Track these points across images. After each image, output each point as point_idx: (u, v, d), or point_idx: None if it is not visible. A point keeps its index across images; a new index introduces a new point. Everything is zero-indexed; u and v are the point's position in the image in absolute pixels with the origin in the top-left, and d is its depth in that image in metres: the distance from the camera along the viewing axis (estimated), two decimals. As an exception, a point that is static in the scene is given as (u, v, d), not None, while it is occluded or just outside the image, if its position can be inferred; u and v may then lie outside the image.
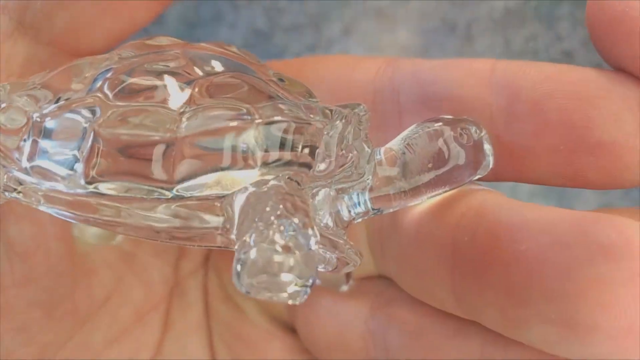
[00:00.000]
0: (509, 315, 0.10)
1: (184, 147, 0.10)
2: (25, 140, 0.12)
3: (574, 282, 0.09)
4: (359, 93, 0.13)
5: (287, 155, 0.10)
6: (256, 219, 0.10)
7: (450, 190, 0.12)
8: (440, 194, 0.12)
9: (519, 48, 0.67)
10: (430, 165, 0.12)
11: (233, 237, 0.11)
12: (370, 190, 0.12)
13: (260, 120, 0.10)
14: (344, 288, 0.16)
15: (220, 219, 0.11)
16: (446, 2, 0.69)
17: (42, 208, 0.12)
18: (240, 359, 0.16)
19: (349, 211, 0.12)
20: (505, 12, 0.68)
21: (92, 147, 0.11)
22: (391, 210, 0.13)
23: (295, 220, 0.09)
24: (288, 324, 0.17)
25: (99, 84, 0.11)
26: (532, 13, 0.68)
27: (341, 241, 0.10)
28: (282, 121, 0.10)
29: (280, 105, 0.11)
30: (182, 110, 0.11)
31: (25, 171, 0.11)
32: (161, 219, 0.11)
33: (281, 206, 0.10)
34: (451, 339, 0.13)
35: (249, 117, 0.10)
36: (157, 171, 0.11)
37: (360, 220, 0.13)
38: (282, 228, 0.09)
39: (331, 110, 0.12)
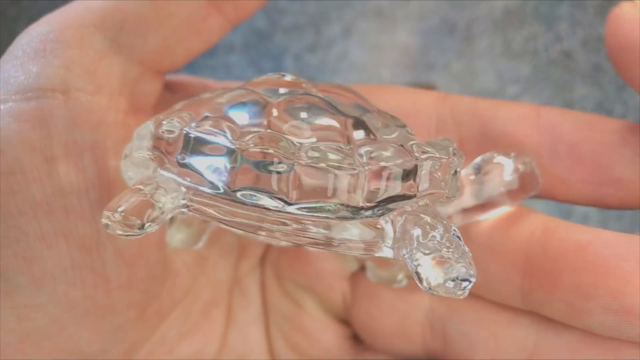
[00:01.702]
0: (576, 306, 0.13)
1: (301, 173, 0.12)
2: (180, 152, 0.13)
3: (630, 284, 0.13)
4: (424, 122, 0.16)
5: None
6: (419, 236, 0.12)
7: (510, 206, 0.15)
8: (500, 210, 0.15)
9: (518, 48, 0.67)
10: (502, 189, 0.14)
11: (388, 247, 0.13)
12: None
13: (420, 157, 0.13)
14: (402, 284, 0.17)
15: (373, 233, 0.13)
16: (446, 2, 0.69)
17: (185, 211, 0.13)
18: (297, 346, 0.18)
19: None
20: (504, 12, 0.68)
21: (234, 160, 0.12)
22: (459, 224, 0.15)
23: (448, 234, 0.12)
24: (341, 316, 0.19)
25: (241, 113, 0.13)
26: (532, 13, 0.68)
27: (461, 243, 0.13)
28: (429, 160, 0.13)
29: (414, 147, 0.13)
30: (303, 143, 0.13)
31: (179, 172, 0.13)
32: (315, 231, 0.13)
33: (440, 225, 0.12)
34: (508, 326, 0.15)
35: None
36: (277, 187, 0.12)
37: None
38: (447, 243, 0.12)
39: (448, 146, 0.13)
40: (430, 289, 0.11)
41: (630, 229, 0.53)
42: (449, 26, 0.64)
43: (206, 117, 0.13)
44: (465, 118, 0.16)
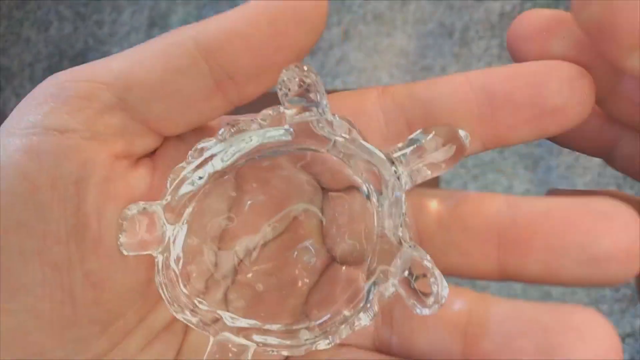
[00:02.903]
0: (551, 265, 0.15)
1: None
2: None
3: (594, 235, 0.15)
4: (374, 119, 0.17)
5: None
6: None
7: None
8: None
9: (516, 51, 0.67)
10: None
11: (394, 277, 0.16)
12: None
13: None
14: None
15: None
16: (443, 6, 0.69)
17: None
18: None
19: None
20: (501, 15, 0.69)
21: None
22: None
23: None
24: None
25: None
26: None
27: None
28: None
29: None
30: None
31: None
32: None
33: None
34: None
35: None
36: None
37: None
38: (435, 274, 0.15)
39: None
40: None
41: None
42: (446, 29, 0.65)
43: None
44: (407, 104, 0.17)
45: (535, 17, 0.16)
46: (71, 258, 0.15)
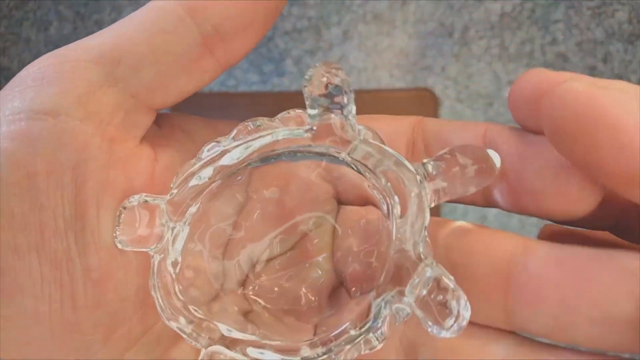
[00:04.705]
0: (562, 320, 0.14)
1: None
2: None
3: (610, 293, 0.13)
4: (402, 145, 0.17)
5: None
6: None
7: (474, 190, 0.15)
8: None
9: (514, 51, 0.67)
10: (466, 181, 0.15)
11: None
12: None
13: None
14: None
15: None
16: (443, 6, 0.69)
17: None
18: None
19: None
20: (501, 15, 0.69)
21: None
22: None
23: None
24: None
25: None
26: (528, 16, 0.68)
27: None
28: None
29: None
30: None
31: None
32: None
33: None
34: (482, 350, 0.16)
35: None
36: None
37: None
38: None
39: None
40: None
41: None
42: (446, 29, 0.65)
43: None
44: (432, 141, 0.17)
45: (535, 82, 0.15)
46: (70, 252, 0.14)
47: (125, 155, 0.15)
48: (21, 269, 0.14)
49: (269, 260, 0.17)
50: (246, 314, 0.16)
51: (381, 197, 0.15)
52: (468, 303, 0.13)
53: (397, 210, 0.14)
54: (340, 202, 0.17)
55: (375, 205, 0.16)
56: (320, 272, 0.16)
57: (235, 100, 0.61)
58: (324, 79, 0.14)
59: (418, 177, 0.14)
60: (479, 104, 0.61)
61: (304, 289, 0.16)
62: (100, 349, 0.15)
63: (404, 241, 0.14)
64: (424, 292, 0.14)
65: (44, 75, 0.15)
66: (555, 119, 0.13)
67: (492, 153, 0.14)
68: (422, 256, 0.14)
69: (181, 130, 0.17)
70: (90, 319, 0.15)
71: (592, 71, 0.62)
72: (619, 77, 0.62)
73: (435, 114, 0.61)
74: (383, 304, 0.14)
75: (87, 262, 0.14)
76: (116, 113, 0.15)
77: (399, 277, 0.14)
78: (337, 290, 0.17)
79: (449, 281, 0.13)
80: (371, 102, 0.60)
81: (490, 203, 0.16)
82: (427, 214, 0.14)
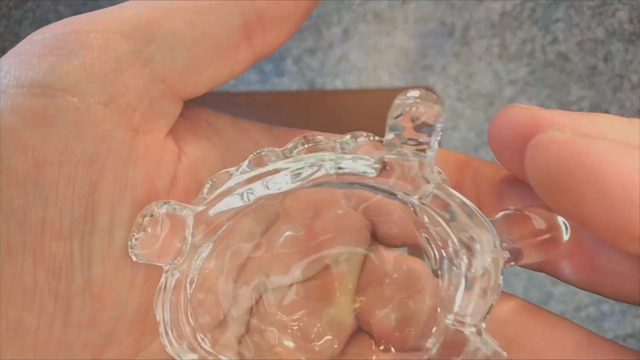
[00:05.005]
0: None
1: None
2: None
3: None
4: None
5: None
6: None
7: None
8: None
9: (515, 50, 0.67)
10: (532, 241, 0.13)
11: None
12: None
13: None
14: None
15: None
16: (443, 5, 0.69)
17: None
18: None
19: None
20: (501, 15, 0.69)
21: None
22: None
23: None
24: None
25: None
26: (529, 16, 0.68)
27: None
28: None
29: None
30: None
31: None
32: None
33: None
34: None
35: None
36: None
37: None
38: None
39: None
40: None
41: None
42: (447, 29, 0.64)
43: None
44: (485, 187, 0.15)
45: (513, 121, 0.13)
46: (72, 259, 0.12)
47: (148, 150, 0.13)
48: (11, 272, 0.12)
49: (284, 288, 0.15)
50: (257, 351, 0.14)
51: (434, 249, 0.13)
52: None
53: (465, 271, 0.12)
54: (376, 243, 0.15)
55: (421, 254, 0.14)
56: (342, 313, 0.14)
57: (234, 100, 0.61)
58: (417, 115, 0.12)
59: (497, 241, 0.12)
60: (479, 104, 0.61)
61: (321, 328, 0.14)
62: None
63: (464, 310, 0.12)
64: None
65: (65, 44, 0.12)
66: (539, 172, 0.12)
67: (561, 220, 0.12)
68: (483, 331, 0.12)
69: (208, 124, 0.15)
70: (81, 339, 0.13)
71: (592, 70, 0.62)
72: (620, 76, 0.62)
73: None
74: None
75: (89, 273, 0.12)
76: (143, 99, 0.13)
77: (451, 350, 0.12)
78: (359, 335, 0.15)
79: None
80: (371, 101, 0.60)
81: (547, 270, 0.14)
82: (501, 280, 0.12)
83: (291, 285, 0.15)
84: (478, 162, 0.15)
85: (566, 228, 0.12)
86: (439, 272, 0.13)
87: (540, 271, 0.15)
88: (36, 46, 0.13)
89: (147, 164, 0.13)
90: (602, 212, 0.11)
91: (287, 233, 0.14)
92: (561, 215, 0.12)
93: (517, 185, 0.14)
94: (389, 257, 0.15)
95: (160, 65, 0.13)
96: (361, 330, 0.15)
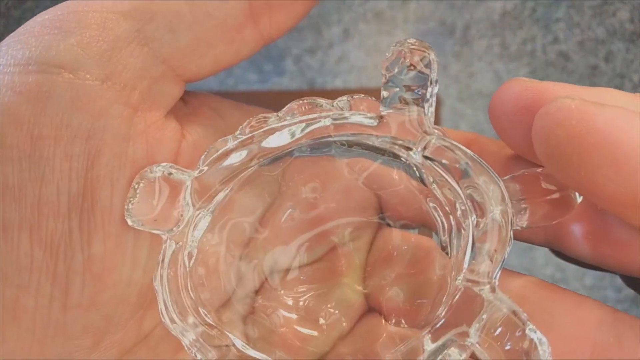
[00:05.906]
0: None
1: None
2: None
3: None
4: None
5: None
6: None
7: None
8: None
9: (516, 50, 0.67)
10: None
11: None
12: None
13: None
14: None
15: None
16: (444, 4, 0.69)
17: None
18: None
19: None
20: (502, 14, 0.69)
21: None
22: None
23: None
24: None
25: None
26: (529, 15, 0.68)
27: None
28: None
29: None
30: None
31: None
32: None
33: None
34: None
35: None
36: None
37: None
38: None
39: None
40: None
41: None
42: (447, 28, 0.64)
43: None
44: (490, 162, 0.15)
45: (516, 93, 0.13)
46: (71, 236, 0.12)
47: (148, 127, 0.13)
48: (6, 250, 0.12)
49: (291, 269, 0.14)
50: (262, 332, 0.14)
51: (441, 218, 0.13)
52: (549, 347, 0.10)
53: (472, 230, 0.12)
54: (382, 217, 0.15)
55: (428, 227, 0.14)
56: (351, 293, 0.14)
57: (234, 99, 0.61)
58: (407, 61, 0.12)
59: (505, 193, 0.12)
60: (479, 103, 0.61)
61: (330, 309, 0.14)
62: (86, 356, 0.13)
63: (475, 269, 0.11)
64: (499, 331, 0.11)
65: (62, 23, 0.12)
66: (548, 139, 0.12)
67: None
68: (496, 288, 0.11)
69: (210, 109, 0.15)
70: (80, 321, 0.12)
71: (593, 70, 0.62)
72: (621, 76, 0.62)
73: (436, 113, 0.61)
74: (441, 350, 0.11)
75: (89, 251, 0.12)
76: (142, 78, 0.13)
77: (464, 314, 0.11)
78: (369, 313, 0.14)
79: (525, 320, 0.11)
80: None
81: (553, 243, 0.14)
82: (511, 239, 0.11)
83: (298, 267, 0.14)
84: (484, 140, 0.15)
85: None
86: (448, 244, 0.13)
87: (546, 246, 0.14)
88: (35, 27, 0.12)
89: (148, 140, 0.13)
90: (611, 179, 0.11)
91: (290, 209, 0.14)
92: (572, 187, 0.12)
93: (521, 161, 0.14)
94: (396, 235, 0.14)
95: (160, 45, 0.13)
96: (371, 310, 0.14)
